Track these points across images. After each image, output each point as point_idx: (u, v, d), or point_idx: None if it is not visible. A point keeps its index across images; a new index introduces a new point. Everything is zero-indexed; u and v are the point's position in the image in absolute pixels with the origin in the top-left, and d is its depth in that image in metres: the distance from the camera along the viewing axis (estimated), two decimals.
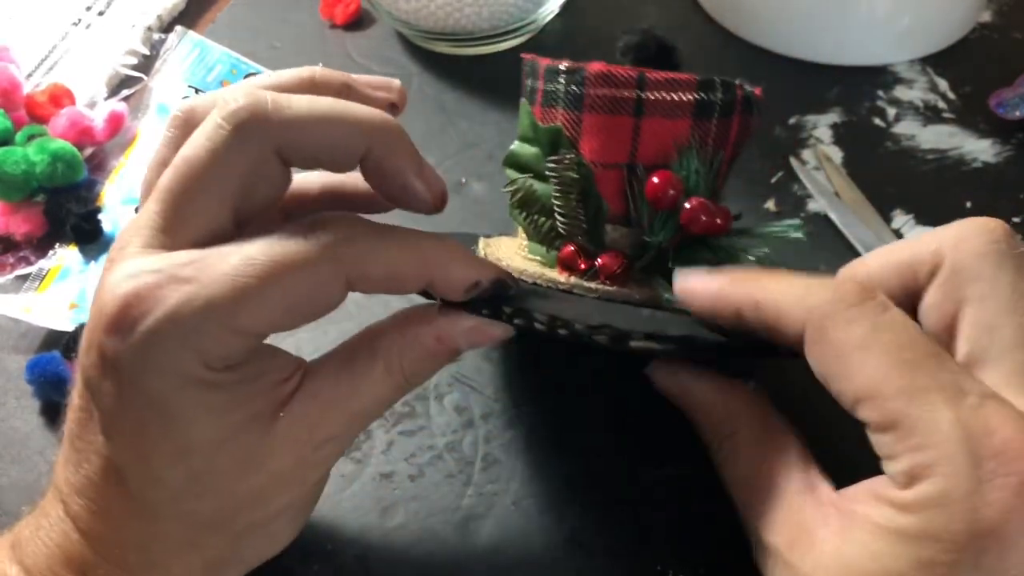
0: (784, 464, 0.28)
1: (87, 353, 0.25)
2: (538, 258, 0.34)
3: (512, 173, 0.34)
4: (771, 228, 0.33)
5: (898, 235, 0.43)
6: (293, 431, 0.26)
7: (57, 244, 0.44)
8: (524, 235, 0.35)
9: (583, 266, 0.32)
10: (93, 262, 0.43)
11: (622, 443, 0.36)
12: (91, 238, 0.44)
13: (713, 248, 0.32)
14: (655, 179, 0.31)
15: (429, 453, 0.37)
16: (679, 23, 0.55)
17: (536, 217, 0.33)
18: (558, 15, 0.55)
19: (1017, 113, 0.46)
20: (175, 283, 0.24)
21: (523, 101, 0.34)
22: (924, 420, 0.23)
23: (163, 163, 0.27)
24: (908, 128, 0.48)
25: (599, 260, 0.32)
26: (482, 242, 0.37)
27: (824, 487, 0.27)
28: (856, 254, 0.42)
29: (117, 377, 0.24)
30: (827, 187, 0.45)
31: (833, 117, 0.49)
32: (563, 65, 0.32)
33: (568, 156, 0.32)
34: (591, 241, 0.33)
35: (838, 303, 0.25)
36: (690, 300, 0.29)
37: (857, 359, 0.24)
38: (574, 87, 0.32)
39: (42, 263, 0.44)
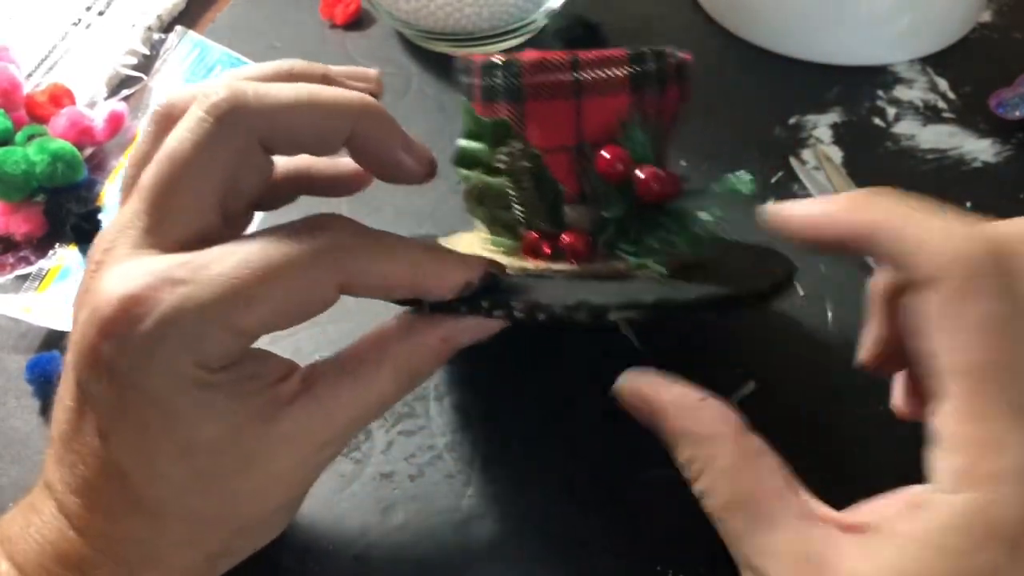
0: (774, 488, 0.26)
1: (80, 355, 0.25)
2: (501, 249, 0.34)
3: (463, 171, 0.34)
4: (722, 184, 0.33)
5: None
6: (296, 433, 0.26)
7: (57, 244, 0.44)
8: (483, 228, 0.35)
9: (548, 250, 0.33)
10: None
11: (622, 443, 0.36)
12: (91, 238, 0.43)
13: (669, 213, 0.33)
14: (604, 154, 0.32)
15: (429, 453, 0.37)
16: (679, 23, 0.55)
17: (493, 209, 0.34)
18: (558, 15, 0.55)
19: (1017, 113, 0.46)
20: (171, 285, 0.24)
21: (463, 100, 0.34)
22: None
23: (144, 159, 0.27)
24: (908, 128, 0.48)
25: (563, 241, 0.33)
26: (441, 241, 0.37)
27: (823, 508, 0.26)
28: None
29: (115, 379, 0.24)
30: (827, 187, 0.45)
31: (833, 117, 0.49)
32: (497, 59, 0.32)
33: (517, 147, 0.32)
34: (552, 224, 0.33)
35: (990, 265, 0.23)
36: (786, 228, 0.28)
37: (978, 336, 0.22)
38: (512, 79, 0.32)
39: (42, 263, 0.44)
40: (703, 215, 0.33)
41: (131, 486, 0.25)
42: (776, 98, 0.50)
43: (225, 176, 0.26)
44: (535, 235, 0.33)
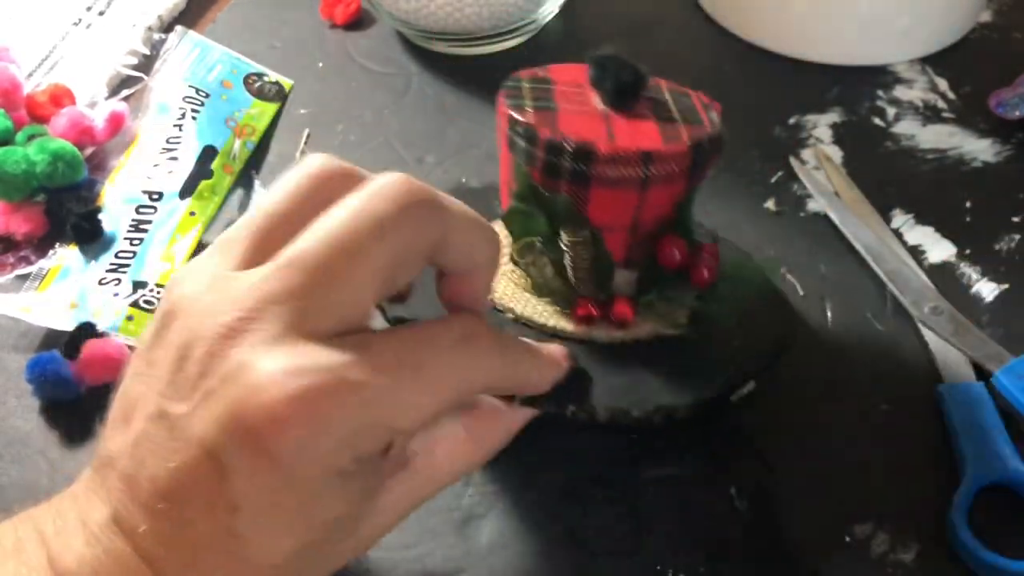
0: None
1: (231, 432, 0.23)
2: (548, 305, 0.36)
3: (516, 231, 0.35)
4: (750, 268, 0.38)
5: (898, 235, 0.43)
6: (396, 503, 0.27)
7: (57, 244, 0.44)
8: (504, 233, 0.37)
9: (596, 314, 0.35)
10: (93, 262, 0.43)
11: (622, 443, 0.36)
12: (91, 238, 0.44)
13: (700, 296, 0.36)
14: (672, 251, 0.35)
15: None
16: (679, 23, 0.55)
17: (544, 271, 0.35)
18: (558, 15, 0.55)
19: (1017, 113, 0.46)
20: (348, 390, 0.23)
21: (517, 161, 0.34)
22: None
23: (286, 217, 0.25)
24: (908, 128, 0.48)
25: (615, 311, 0.35)
26: None
27: None
28: (856, 254, 0.42)
29: (265, 461, 0.23)
30: (827, 187, 0.45)
31: (833, 117, 0.49)
32: (569, 144, 0.32)
33: (584, 233, 0.33)
34: (601, 290, 0.35)
35: None
36: None
37: None
38: (581, 166, 0.33)
39: (42, 263, 0.44)
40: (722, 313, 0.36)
41: (245, 553, 0.24)
42: (776, 98, 0.50)
43: (395, 271, 0.25)
44: (587, 303, 0.35)
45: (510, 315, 0.36)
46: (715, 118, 0.35)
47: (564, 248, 0.34)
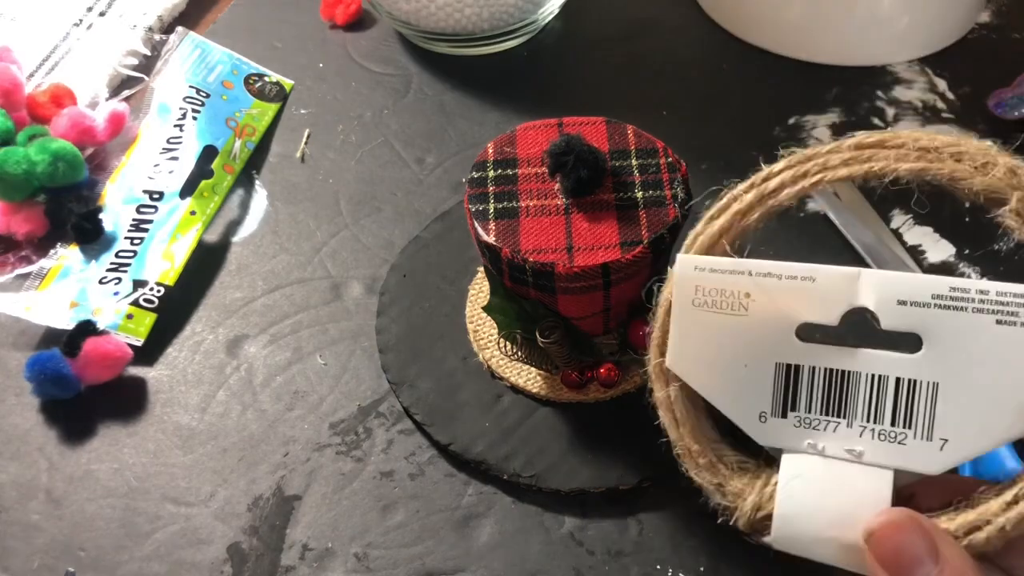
0: None
1: None
2: (539, 375, 0.38)
3: (491, 315, 0.37)
4: None
5: (897, 235, 0.43)
6: None
7: (58, 243, 0.44)
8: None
9: (582, 380, 0.38)
10: (94, 261, 0.43)
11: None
12: (92, 237, 0.44)
13: None
14: (639, 332, 0.36)
15: (429, 452, 0.37)
16: (679, 24, 0.55)
17: (527, 352, 0.38)
18: (558, 15, 0.55)
19: (1016, 113, 0.46)
20: None
21: (486, 266, 0.36)
22: None
23: None
24: (907, 128, 0.48)
25: (600, 375, 0.37)
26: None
27: None
28: (855, 254, 0.42)
29: None
30: (827, 187, 0.45)
31: (832, 117, 0.49)
32: (529, 266, 0.33)
33: (556, 330, 0.35)
34: (584, 357, 0.37)
35: None
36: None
37: None
38: (543, 281, 0.34)
39: (43, 262, 0.44)
40: None
41: None
42: (775, 98, 0.50)
43: None
44: (573, 375, 0.37)
45: (507, 383, 0.38)
46: (679, 190, 0.35)
47: (543, 343, 0.35)
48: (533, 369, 0.38)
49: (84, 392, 0.40)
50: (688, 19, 0.56)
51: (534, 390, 0.38)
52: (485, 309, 0.37)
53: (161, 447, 0.38)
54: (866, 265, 0.41)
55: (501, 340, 0.39)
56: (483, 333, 0.40)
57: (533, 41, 0.55)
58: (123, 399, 0.40)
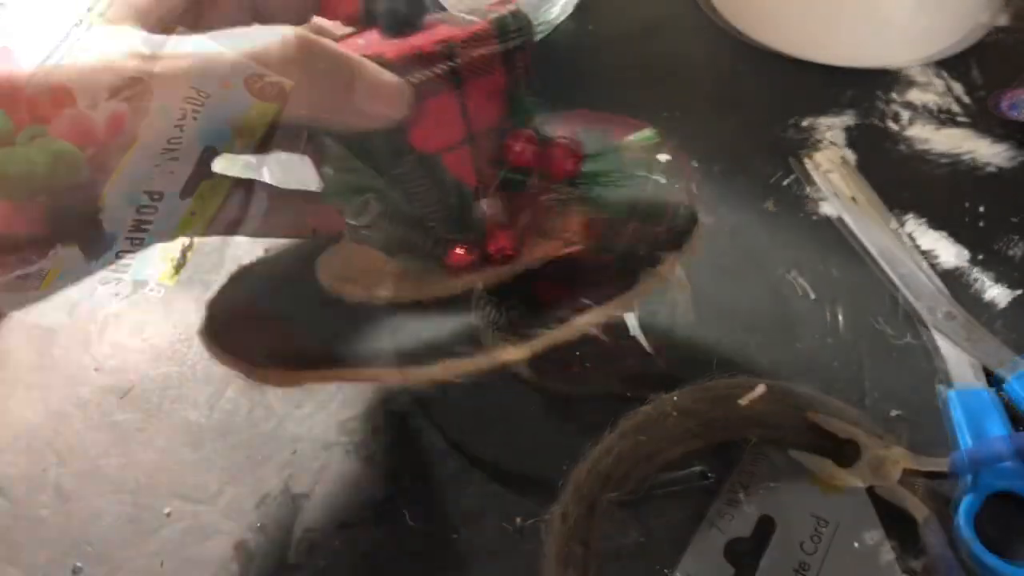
0: None
1: None
2: (416, 272, 0.32)
3: (334, 204, 0.32)
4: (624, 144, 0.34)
5: (910, 239, 0.43)
6: None
7: (59, 244, 0.44)
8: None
9: (471, 256, 0.31)
10: (94, 261, 0.43)
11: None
12: (92, 238, 0.44)
13: (579, 180, 0.32)
14: (518, 146, 0.31)
15: (431, 453, 0.37)
16: (691, 25, 0.55)
17: (385, 224, 0.31)
18: (570, 16, 0.55)
19: None
20: None
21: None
22: None
23: None
24: (921, 131, 0.48)
25: (493, 247, 0.31)
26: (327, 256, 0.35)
27: None
28: (868, 258, 0.42)
29: None
30: (841, 190, 0.45)
31: (846, 120, 0.49)
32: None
33: (409, 155, 0.30)
34: (464, 227, 0.31)
35: None
36: None
37: None
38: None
39: (43, 263, 0.44)
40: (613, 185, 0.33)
41: None
42: (789, 101, 0.50)
43: None
44: (455, 246, 0.31)
45: (380, 301, 0.32)
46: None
47: (404, 188, 0.30)
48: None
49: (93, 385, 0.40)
50: (700, 21, 0.55)
51: (416, 295, 0.31)
52: (324, 196, 0.32)
53: (170, 444, 0.38)
54: (879, 269, 0.41)
55: (351, 234, 0.32)
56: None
57: (545, 41, 0.54)
58: (132, 395, 0.40)
